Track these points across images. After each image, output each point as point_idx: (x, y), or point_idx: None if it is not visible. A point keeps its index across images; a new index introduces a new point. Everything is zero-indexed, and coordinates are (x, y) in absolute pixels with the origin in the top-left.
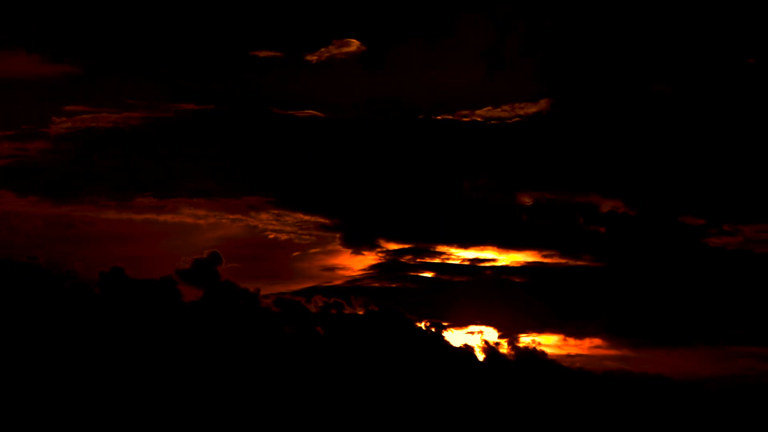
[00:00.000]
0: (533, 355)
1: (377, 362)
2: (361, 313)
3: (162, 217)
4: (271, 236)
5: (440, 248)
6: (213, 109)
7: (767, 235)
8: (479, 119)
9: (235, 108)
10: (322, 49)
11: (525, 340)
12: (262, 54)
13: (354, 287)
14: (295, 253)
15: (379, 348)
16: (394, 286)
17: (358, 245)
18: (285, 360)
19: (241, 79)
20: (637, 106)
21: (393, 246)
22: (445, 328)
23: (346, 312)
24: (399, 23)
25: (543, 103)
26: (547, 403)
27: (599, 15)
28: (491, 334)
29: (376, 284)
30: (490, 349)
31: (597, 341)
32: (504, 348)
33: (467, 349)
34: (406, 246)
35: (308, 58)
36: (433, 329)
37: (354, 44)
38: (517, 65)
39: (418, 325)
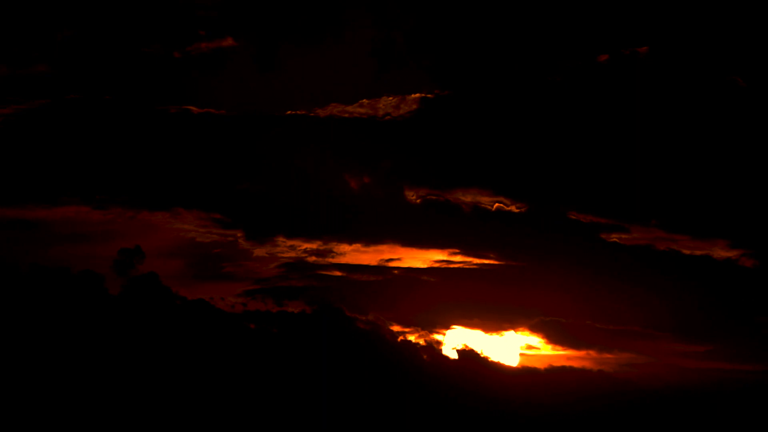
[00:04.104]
0: (472, 353)
1: (317, 360)
2: (293, 311)
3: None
4: (179, 235)
5: (343, 247)
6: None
7: (659, 232)
8: (347, 115)
9: (122, 104)
10: (190, 47)
11: (452, 338)
12: (145, 50)
13: (265, 288)
14: (200, 252)
15: (319, 346)
16: (301, 285)
17: (260, 243)
18: (219, 356)
19: (127, 75)
20: (521, 102)
21: (294, 243)
22: (385, 326)
23: (273, 310)
24: (287, 21)
25: (420, 100)
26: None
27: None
28: (415, 332)
29: (284, 284)
30: (429, 348)
31: (520, 338)
32: (441, 346)
33: (411, 349)
34: (310, 245)
35: (180, 53)
36: (368, 327)
37: (228, 40)
38: (404, 63)
39: (358, 323)
